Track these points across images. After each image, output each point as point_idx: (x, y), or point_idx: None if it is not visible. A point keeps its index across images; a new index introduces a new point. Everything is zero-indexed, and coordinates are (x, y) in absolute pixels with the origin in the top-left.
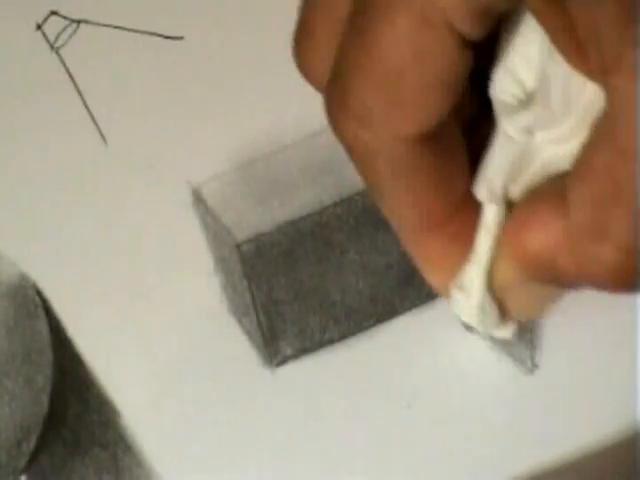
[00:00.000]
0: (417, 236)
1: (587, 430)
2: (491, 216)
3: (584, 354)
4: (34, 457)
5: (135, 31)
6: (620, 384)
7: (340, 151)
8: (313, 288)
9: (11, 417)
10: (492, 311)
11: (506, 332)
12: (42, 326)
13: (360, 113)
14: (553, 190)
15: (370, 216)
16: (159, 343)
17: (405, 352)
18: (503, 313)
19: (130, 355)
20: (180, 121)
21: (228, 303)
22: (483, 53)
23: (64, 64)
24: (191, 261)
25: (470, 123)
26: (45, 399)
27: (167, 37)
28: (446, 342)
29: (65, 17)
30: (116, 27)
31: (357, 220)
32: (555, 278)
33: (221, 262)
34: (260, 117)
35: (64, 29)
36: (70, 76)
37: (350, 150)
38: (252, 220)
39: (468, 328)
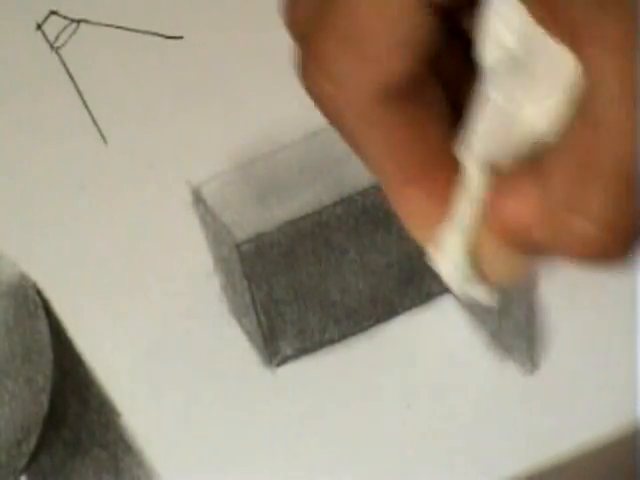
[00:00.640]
0: (397, 189)
1: (587, 429)
2: (473, 183)
3: (584, 354)
4: (34, 457)
5: (135, 31)
6: (620, 384)
7: (340, 151)
8: (313, 288)
9: (11, 417)
10: (470, 274)
11: (485, 297)
12: (42, 326)
13: (328, 68)
14: (534, 162)
15: (370, 216)
16: (159, 343)
17: (405, 352)
18: (482, 277)
19: (130, 355)
20: (180, 121)
21: (228, 303)
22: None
23: (64, 64)
24: (191, 261)
25: (454, 77)
26: (45, 399)
27: (167, 37)
28: (446, 342)
29: (65, 17)
30: (116, 27)
31: (357, 220)
32: (532, 248)
33: (221, 262)
34: (260, 117)
35: (64, 29)
36: (70, 76)
37: (320, 104)
38: (252, 220)
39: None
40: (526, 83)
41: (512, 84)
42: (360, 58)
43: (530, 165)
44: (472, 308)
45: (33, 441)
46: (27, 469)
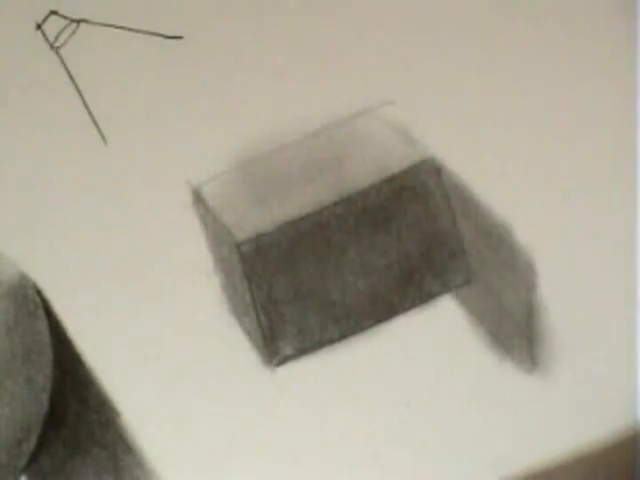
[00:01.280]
0: None
1: (587, 430)
2: None
3: (584, 354)
4: (34, 457)
5: (135, 31)
6: (620, 384)
7: (340, 151)
8: (313, 288)
9: (11, 417)
10: None
11: None
12: (42, 326)
13: None
14: None
15: (370, 216)
16: (159, 343)
17: (405, 352)
18: None
19: (130, 355)
20: (180, 121)
21: (228, 303)
22: None
23: (64, 64)
24: (191, 261)
25: None
26: (45, 399)
27: (167, 37)
28: (446, 342)
29: (65, 17)
30: (116, 27)
31: (357, 220)
32: None
33: (221, 262)
34: (260, 117)
35: (64, 29)
36: (70, 76)
37: None
38: (252, 220)
39: None
40: None
41: None
42: None
43: None
44: (472, 308)
45: (33, 441)
46: (27, 469)
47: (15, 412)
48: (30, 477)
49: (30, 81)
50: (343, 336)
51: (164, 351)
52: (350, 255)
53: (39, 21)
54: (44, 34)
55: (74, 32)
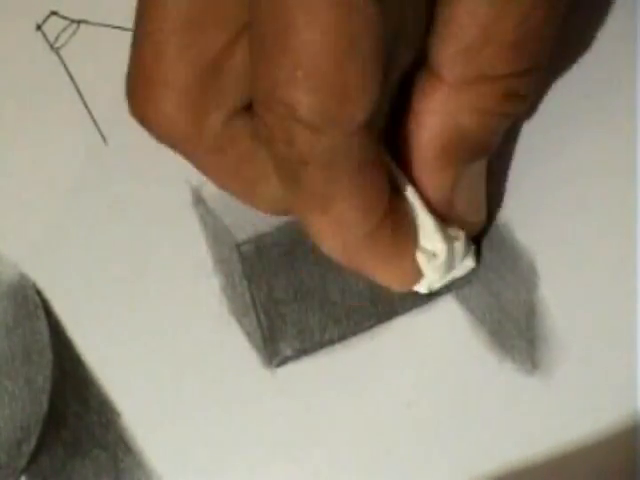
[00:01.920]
0: (365, 242)
1: (587, 430)
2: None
3: (584, 354)
4: (34, 457)
5: None
6: (620, 384)
7: None
8: (313, 288)
9: (11, 417)
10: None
11: (468, 260)
12: (42, 326)
13: (306, 117)
14: None
15: None
16: (159, 343)
17: (405, 352)
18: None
19: (130, 355)
20: None
21: (228, 303)
22: None
23: (64, 64)
24: (191, 261)
25: None
26: (45, 399)
27: None
28: (446, 342)
29: (65, 17)
30: (116, 27)
31: None
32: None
33: (221, 262)
34: None
35: (64, 29)
36: (70, 76)
37: (284, 160)
38: (252, 220)
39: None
40: None
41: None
42: (342, 94)
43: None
44: (472, 308)
45: (33, 441)
46: (27, 469)
47: (15, 413)
48: (30, 478)
49: (30, 81)
50: (343, 336)
51: (164, 351)
52: None
53: (39, 21)
54: (44, 34)
55: (74, 33)
